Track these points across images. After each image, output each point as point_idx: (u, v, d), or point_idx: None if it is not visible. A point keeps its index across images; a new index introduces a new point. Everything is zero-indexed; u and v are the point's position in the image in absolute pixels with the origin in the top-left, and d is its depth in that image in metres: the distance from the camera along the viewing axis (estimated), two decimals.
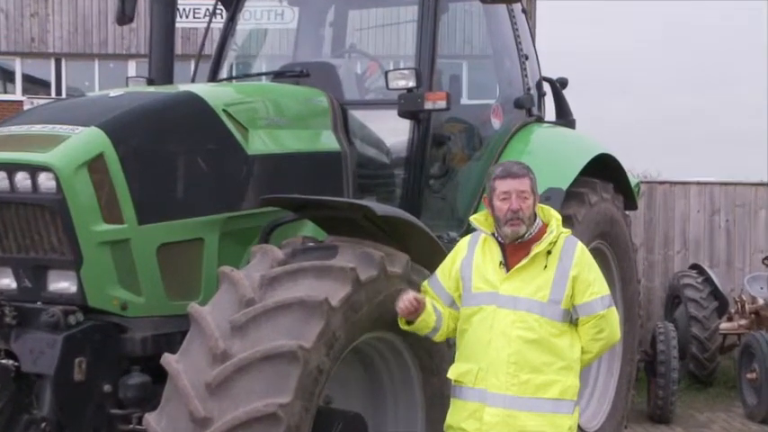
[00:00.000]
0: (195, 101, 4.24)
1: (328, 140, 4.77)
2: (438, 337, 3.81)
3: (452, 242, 4.41)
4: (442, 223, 5.14)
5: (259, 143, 4.36)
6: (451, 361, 3.80)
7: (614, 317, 3.71)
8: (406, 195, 4.94)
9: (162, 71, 5.15)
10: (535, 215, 3.68)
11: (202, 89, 4.49)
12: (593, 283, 3.64)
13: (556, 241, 3.64)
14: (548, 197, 4.90)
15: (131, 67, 17.88)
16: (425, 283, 3.85)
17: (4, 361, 3.68)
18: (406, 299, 3.60)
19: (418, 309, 3.62)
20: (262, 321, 3.42)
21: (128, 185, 3.82)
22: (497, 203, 3.64)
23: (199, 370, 3.35)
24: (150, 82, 5.13)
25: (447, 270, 3.79)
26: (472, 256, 3.72)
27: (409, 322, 3.68)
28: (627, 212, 6.36)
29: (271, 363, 3.31)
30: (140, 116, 4.01)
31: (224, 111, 4.25)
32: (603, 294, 3.67)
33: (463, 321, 3.71)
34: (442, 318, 3.73)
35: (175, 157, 4.07)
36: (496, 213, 3.65)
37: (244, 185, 4.27)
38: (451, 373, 3.73)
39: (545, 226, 3.70)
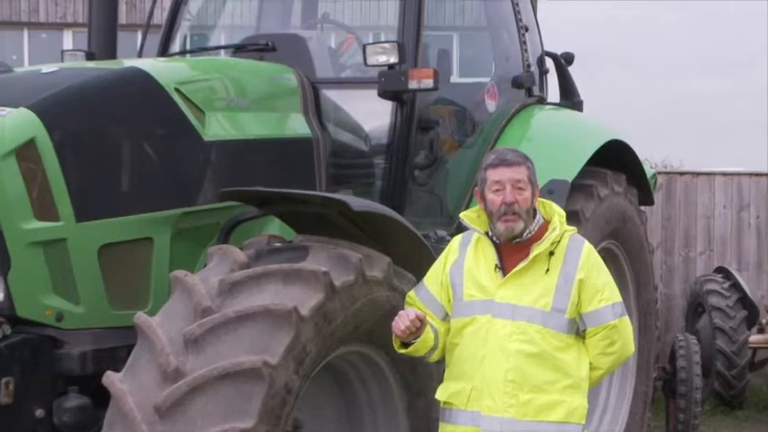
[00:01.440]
0: (142, 78, 4.24)
1: (297, 125, 4.79)
2: (434, 358, 3.78)
3: (441, 242, 4.45)
4: (428, 220, 5.16)
5: (217, 128, 4.38)
6: (440, 380, 3.81)
7: (627, 327, 3.74)
8: (387, 188, 4.96)
9: (103, 43, 5.14)
10: (535, 211, 3.70)
11: (151, 65, 4.49)
12: (602, 289, 3.66)
13: (559, 241, 3.66)
14: (550, 191, 4.93)
15: (67, 39, 17.78)
16: (411, 292, 3.83)
17: None
18: (406, 318, 3.54)
19: (420, 329, 3.58)
20: (221, 334, 3.43)
21: (63, 176, 3.83)
22: (490, 196, 3.64)
23: (147, 390, 3.36)
24: (90, 56, 5.13)
25: (437, 277, 3.77)
26: (463, 259, 3.73)
27: (406, 344, 3.64)
28: (642, 208, 6.42)
29: (231, 381, 3.32)
30: (78, 96, 4.01)
31: (176, 90, 4.26)
32: (615, 301, 3.69)
33: (453, 334, 3.71)
34: (438, 335, 3.69)
35: (120, 144, 4.08)
36: (489, 208, 3.65)
37: (200, 177, 4.28)
38: (440, 394, 3.74)
39: (546, 223, 3.72)
